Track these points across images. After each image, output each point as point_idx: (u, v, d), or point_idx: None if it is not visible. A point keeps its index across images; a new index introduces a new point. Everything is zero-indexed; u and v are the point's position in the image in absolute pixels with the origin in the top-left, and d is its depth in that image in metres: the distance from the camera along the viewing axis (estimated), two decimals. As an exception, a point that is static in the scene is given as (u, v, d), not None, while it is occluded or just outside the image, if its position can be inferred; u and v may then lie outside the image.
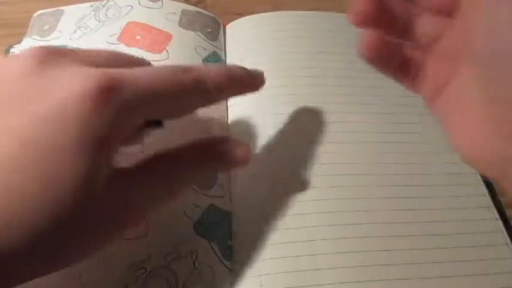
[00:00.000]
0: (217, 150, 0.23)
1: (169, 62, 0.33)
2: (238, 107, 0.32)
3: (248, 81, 0.25)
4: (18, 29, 0.37)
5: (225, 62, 0.35)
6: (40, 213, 0.17)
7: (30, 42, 0.35)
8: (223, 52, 0.36)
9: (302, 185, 0.28)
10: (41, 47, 0.19)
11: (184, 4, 0.38)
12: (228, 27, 0.38)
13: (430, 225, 0.27)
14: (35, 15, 0.37)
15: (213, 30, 0.37)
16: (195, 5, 0.39)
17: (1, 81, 0.18)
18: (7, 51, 0.36)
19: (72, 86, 0.18)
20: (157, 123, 0.23)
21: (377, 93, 0.33)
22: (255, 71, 0.25)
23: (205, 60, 0.34)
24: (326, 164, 0.29)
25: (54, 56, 0.19)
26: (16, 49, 0.36)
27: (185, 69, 0.21)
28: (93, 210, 0.19)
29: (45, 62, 0.19)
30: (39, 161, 0.17)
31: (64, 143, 0.17)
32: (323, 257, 0.25)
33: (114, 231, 0.20)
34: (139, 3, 0.36)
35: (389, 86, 0.34)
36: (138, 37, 0.34)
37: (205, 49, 0.35)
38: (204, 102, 0.23)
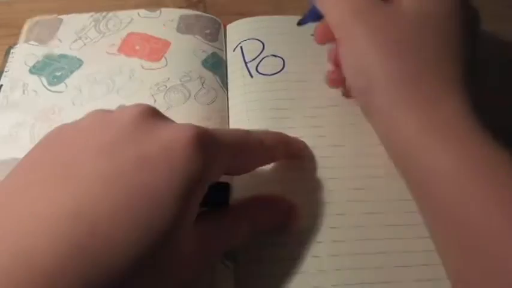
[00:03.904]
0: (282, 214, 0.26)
1: (168, 69, 0.33)
2: (238, 113, 0.32)
3: (294, 146, 0.29)
4: (18, 29, 0.37)
5: (226, 62, 0.35)
6: (123, 258, 0.17)
7: (27, 48, 0.35)
8: (224, 52, 0.36)
9: (305, 184, 0.28)
10: (148, 105, 0.21)
11: (182, 10, 0.37)
12: (228, 27, 0.37)
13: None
14: (32, 21, 0.37)
15: (213, 31, 0.36)
16: (195, 5, 0.39)
17: (111, 126, 0.20)
18: (7, 53, 0.36)
19: (176, 135, 0.20)
20: (223, 202, 0.24)
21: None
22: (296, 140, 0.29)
23: (205, 61, 0.34)
24: (329, 168, 0.29)
25: (158, 113, 0.22)
26: (16, 50, 0.36)
27: (248, 131, 0.25)
28: (170, 255, 0.19)
29: (153, 115, 0.21)
30: (128, 200, 0.18)
31: (160, 184, 0.18)
32: (327, 258, 0.25)
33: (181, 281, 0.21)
34: (138, 15, 0.37)
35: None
36: (137, 47, 0.35)
37: (204, 51, 0.35)
38: (264, 157, 0.26)
